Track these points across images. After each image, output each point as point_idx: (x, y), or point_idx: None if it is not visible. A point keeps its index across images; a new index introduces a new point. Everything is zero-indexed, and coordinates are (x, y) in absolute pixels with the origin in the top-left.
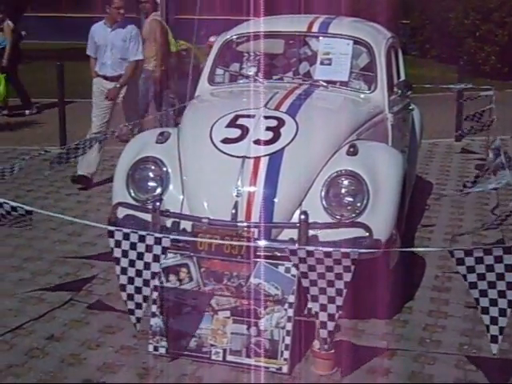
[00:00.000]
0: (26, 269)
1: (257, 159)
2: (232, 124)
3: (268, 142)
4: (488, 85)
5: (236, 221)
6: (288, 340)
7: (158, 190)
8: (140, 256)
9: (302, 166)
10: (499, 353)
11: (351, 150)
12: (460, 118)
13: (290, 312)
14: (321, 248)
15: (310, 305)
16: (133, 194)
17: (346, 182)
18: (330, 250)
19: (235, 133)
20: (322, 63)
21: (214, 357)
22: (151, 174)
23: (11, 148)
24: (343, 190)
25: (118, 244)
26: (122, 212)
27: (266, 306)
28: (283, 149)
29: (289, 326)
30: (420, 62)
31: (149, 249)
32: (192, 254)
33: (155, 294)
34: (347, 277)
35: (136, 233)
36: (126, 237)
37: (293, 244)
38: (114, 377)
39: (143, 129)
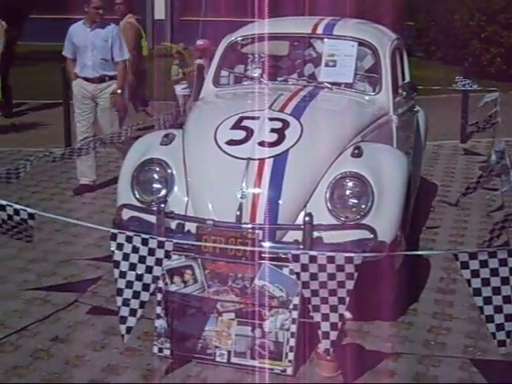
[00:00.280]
0: (31, 270)
1: (261, 161)
2: (237, 126)
3: (273, 144)
4: (493, 86)
5: (241, 222)
6: (292, 342)
7: (163, 192)
8: (142, 259)
9: (306, 168)
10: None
11: (356, 151)
12: (465, 119)
13: (295, 314)
14: (324, 252)
15: (312, 314)
16: (137, 196)
17: (350, 184)
18: (333, 254)
19: (240, 134)
20: (326, 65)
21: (218, 358)
22: (156, 176)
23: (16, 149)
24: (348, 192)
25: (119, 247)
26: (126, 214)
27: (270, 308)
28: (288, 151)
29: (293, 328)
30: (425, 63)
31: (151, 252)
32: (196, 255)
33: (160, 296)
34: (350, 284)
35: (139, 236)
36: (129, 240)
37: (297, 246)
38: (118, 378)
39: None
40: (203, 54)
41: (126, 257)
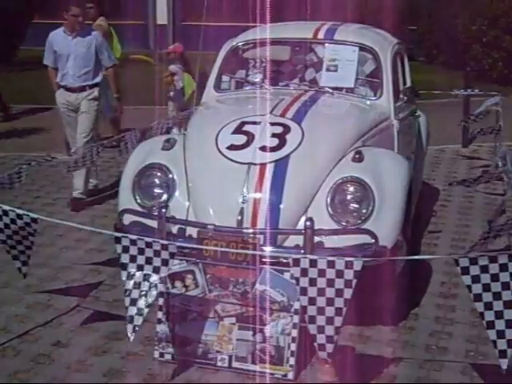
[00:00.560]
0: (33, 275)
1: (262, 166)
2: (238, 131)
3: (274, 149)
4: (495, 91)
5: (242, 227)
6: (293, 346)
7: (164, 197)
8: (148, 260)
9: (307, 173)
10: None
11: (357, 156)
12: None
13: (296, 319)
14: (324, 257)
15: (308, 326)
16: (139, 201)
17: (351, 189)
18: (334, 258)
19: (241, 139)
20: (327, 70)
21: (219, 363)
22: (157, 181)
23: (18, 155)
24: (349, 197)
25: (125, 249)
26: (128, 218)
27: (271, 313)
28: (289, 155)
29: (294, 333)
30: (427, 67)
31: (156, 254)
32: (198, 260)
33: (161, 301)
34: (348, 293)
35: (142, 239)
36: (133, 243)
37: (298, 250)
38: (120, 383)
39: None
40: (176, 58)
41: (133, 259)
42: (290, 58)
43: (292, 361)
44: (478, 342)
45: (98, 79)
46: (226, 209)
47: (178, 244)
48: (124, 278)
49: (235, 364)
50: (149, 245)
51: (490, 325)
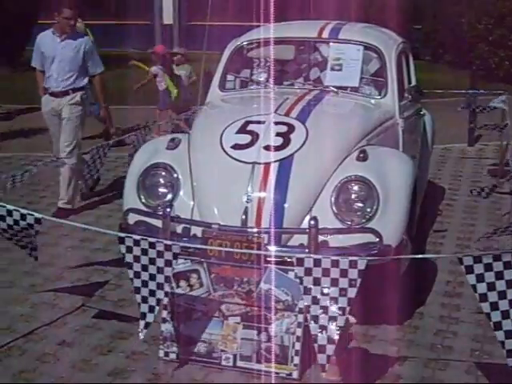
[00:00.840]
0: (38, 275)
1: (267, 165)
2: (242, 130)
3: (278, 148)
4: (501, 89)
5: (246, 226)
6: (298, 346)
7: (169, 196)
8: (152, 261)
9: (311, 172)
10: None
11: (361, 155)
12: (474, 124)
13: (300, 318)
14: (328, 256)
15: (310, 325)
16: (143, 200)
17: (355, 188)
18: (338, 258)
19: (245, 139)
20: (332, 69)
21: (224, 362)
22: (162, 180)
23: (24, 154)
24: (353, 196)
25: (129, 250)
26: (132, 218)
27: (276, 312)
28: (293, 155)
29: (299, 332)
30: (433, 67)
31: (160, 254)
32: (202, 259)
33: (166, 300)
34: (352, 292)
35: (146, 240)
36: (137, 243)
37: (303, 250)
38: (124, 382)
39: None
40: (160, 59)
41: (136, 259)
42: (295, 57)
43: (296, 360)
44: (484, 341)
45: (81, 83)
46: (230, 208)
47: (181, 244)
48: (131, 277)
49: (240, 363)
50: (151, 246)
51: (498, 326)
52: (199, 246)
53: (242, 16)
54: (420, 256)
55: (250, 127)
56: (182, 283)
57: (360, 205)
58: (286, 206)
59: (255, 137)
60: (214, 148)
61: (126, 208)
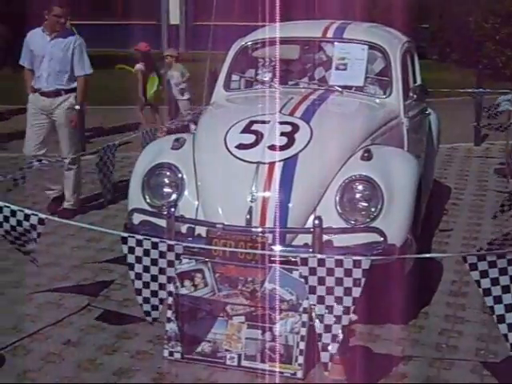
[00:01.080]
0: (44, 274)
1: (271, 165)
2: (246, 130)
3: (282, 148)
4: (508, 89)
5: (250, 226)
6: (302, 345)
7: (174, 196)
8: (154, 262)
9: (316, 172)
10: None
11: (366, 155)
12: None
13: (305, 317)
14: (332, 256)
15: (315, 324)
16: (148, 200)
17: (360, 187)
18: (342, 257)
19: (250, 138)
20: (337, 68)
21: (228, 362)
22: (166, 180)
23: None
24: (357, 195)
25: (131, 250)
26: (137, 218)
27: (280, 312)
28: (297, 154)
29: (303, 332)
30: (440, 66)
31: (162, 255)
32: (207, 259)
33: (170, 300)
34: (356, 292)
35: (149, 240)
36: (139, 243)
37: (307, 249)
38: (129, 382)
39: None
40: (140, 57)
41: (138, 260)
42: (300, 56)
43: (301, 359)
44: (489, 340)
45: (74, 84)
46: (234, 208)
47: (185, 244)
48: (133, 278)
49: (244, 363)
50: (154, 246)
51: (501, 319)
52: (203, 246)
53: (247, 16)
54: (424, 255)
55: (255, 127)
56: (187, 283)
57: (364, 204)
58: (290, 205)
59: (260, 136)
60: (218, 148)
61: (130, 208)
